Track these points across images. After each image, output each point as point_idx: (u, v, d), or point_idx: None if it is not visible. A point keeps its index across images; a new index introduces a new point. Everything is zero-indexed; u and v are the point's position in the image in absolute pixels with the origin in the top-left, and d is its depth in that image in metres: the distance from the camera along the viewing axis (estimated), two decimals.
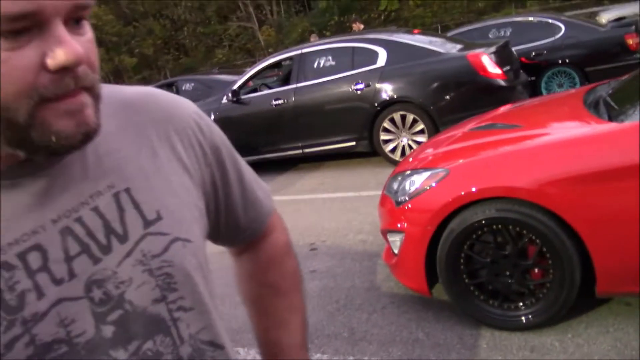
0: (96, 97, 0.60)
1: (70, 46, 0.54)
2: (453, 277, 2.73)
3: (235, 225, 0.87)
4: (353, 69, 6.44)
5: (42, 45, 0.54)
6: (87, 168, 0.66)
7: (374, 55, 6.35)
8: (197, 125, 0.77)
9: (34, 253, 0.60)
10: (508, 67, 6.08)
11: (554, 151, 2.58)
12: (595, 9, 16.57)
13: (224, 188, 0.81)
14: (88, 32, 0.59)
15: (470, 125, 3.54)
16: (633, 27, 7.62)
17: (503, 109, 3.96)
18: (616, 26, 8.01)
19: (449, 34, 8.82)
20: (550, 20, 8.12)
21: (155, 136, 0.72)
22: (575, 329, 2.62)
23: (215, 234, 0.86)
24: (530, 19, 8.58)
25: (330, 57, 6.71)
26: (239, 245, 0.94)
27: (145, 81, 25.13)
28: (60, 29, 0.54)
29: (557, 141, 2.66)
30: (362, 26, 10.54)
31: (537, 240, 2.55)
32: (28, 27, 0.53)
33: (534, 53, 7.82)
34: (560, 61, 7.74)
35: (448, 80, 5.99)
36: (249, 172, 0.88)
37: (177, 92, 10.10)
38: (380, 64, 6.27)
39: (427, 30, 17.58)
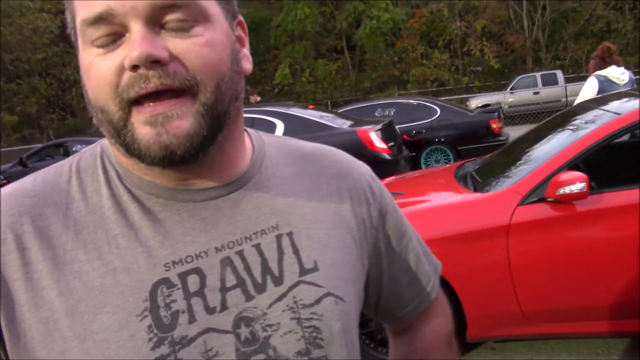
0: (202, 105, 0.57)
1: (139, 44, 0.53)
2: None
3: (397, 298, 0.81)
4: None
5: (126, 49, 0.55)
6: (257, 206, 0.66)
7: (272, 127, 6.76)
8: (369, 187, 0.76)
9: (193, 276, 0.60)
10: (392, 143, 6.74)
11: (431, 215, 3.04)
12: (465, 95, 18.54)
13: (388, 255, 0.78)
14: (203, 35, 0.57)
15: None
16: (496, 113, 8.78)
17: (388, 179, 4.45)
18: (482, 112, 9.18)
19: (340, 111, 9.56)
20: (427, 104, 9.15)
21: (327, 189, 0.72)
22: None
23: (376, 306, 0.81)
24: (411, 101, 9.58)
25: None
26: (398, 323, 0.86)
27: (25, 140, 23.83)
28: (135, 32, 0.54)
29: (433, 207, 3.14)
30: (258, 98, 11.05)
31: None
32: (115, 33, 0.55)
33: (414, 131, 8.71)
34: (436, 140, 8.69)
35: None
36: (418, 244, 0.83)
37: (67, 154, 9.86)
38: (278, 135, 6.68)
39: (318, 105, 18.62)
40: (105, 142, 0.68)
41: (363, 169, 0.79)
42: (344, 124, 6.88)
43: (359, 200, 0.74)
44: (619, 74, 4.88)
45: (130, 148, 0.57)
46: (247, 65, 0.67)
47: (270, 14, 26.09)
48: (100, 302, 0.57)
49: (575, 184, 2.67)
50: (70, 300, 0.57)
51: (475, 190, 3.17)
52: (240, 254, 0.63)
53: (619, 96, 3.52)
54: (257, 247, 0.64)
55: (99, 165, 0.65)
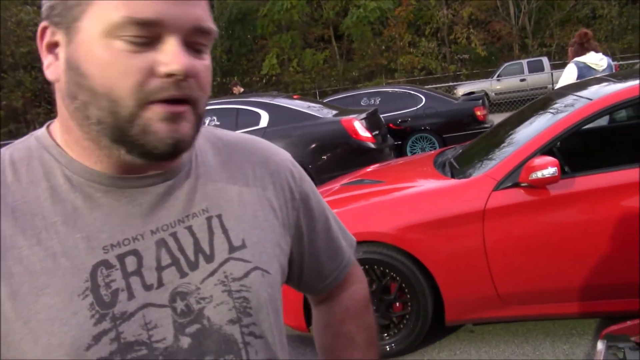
0: (198, 116, 0.65)
1: (179, 58, 0.60)
2: None
3: (318, 272, 0.89)
4: (237, 129, 6.80)
5: (157, 55, 0.60)
6: (189, 191, 0.72)
7: (256, 117, 6.77)
8: (290, 172, 0.83)
9: (131, 257, 0.66)
10: (377, 132, 6.78)
11: (409, 202, 3.09)
12: (452, 83, 18.60)
13: (310, 234, 0.85)
14: (206, 60, 0.65)
15: (343, 180, 4.01)
16: (480, 101, 8.83)
17: (371, 167, 4.50)
18: (467, 99, 9.22)
19: (326, 100, 9.58)
20: (413, 92, 9.19)
21: (251, 175, 0.78)
22: (430, 353, 3.07)
23: (298, 279, 0.88)
24: (396, 90, 9.62)
25: (215, 118, 7.03)
26: (319, 294, 0.94)
27: (12, 135, 23.63)
28: (174, 44, 0.61)
29: (411, 194, 3.19)
30: (241, 89, 11.06)
31: (397, 278, 3.00)
32: (149, 37, 0.60)
33: (400, 120, 8.75)
34: (422, 128, 8.74)
35: (324, 142, 6.54)
36: (336, 222, 0.91)
37: None
38: (262, 125, 6.70)
39: (306, 94, 18.64)
40: (39, 135, 0.71)
41: (284, 155, 0.86)
42: (328, 114, 6.90)
43: (281, 184, 0.81)
44: (597, 60, 4.93)
45: (133, 139, 0.62)
46: None
47: (257, 3, 25.91)
48: (42, 284, 0.62)
49: (547, 168, 2.73)
50: (12, 284, 0.61)
51: (453, 176, 3.22)
52: (174, 235, 0.69)
53: (596, 82, 3.57)
54: (189, 228, 0.70)
55: (35, 157, 0.68)
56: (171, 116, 0.62)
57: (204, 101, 0.66)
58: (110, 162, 0.66)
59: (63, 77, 0.64)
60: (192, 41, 0.63)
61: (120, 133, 0.62)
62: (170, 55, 0.60)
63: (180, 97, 0.62)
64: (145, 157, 0.64)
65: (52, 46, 0.65)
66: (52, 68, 0.65)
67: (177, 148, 0.63)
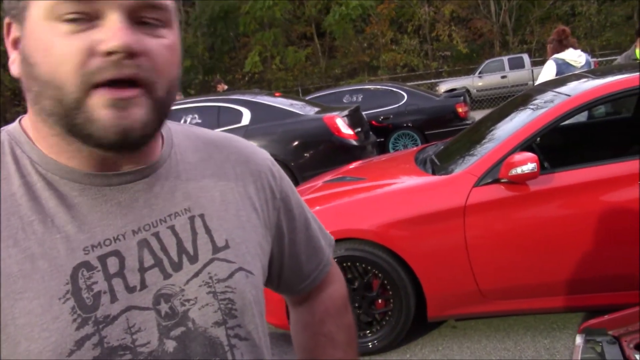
0: (156, 101, 0.60)
1: (120, 34, 0.55)
2: None
3: (297, 273, 0.88)
4: (219, 127, 6.75)
5: (97, 33, 0.56)
6: (170, 190, 0.70)
7: (238, 115, 6.73)
8: (270, 171, 0.81)
9: (112, 258, 0.63)
10: (359, 129, 6.77)
11: (391, 199, 3.09)
12: (434, 80, 18.68)
13: (290, 234, 0.84)
14: (167, 38, 0.61)
15: (325, 178, 4.00)
16: (462, 97, 8.89)
17: (354, 164, 4.50)
18: (449, 96, 9.28)
19: (309, 97, 9.55)
20: (395, 89, 9.21)
21: (232, 174, 0.76)
22: (412, 350, 3.08)
23: (278, 280, 0.87)
24: (379, 87, 9.63)
25: (196, 115, 6.97)
26: (298, 294, 0.93)
27: None
28: (116, 20, 0.56)
29: (393, 191, 3.19)
30: (225, 87, 11.01)
31: (380, 275, 3.00)
32: (88, 13, 0.56)
33: (382, 117, 8.76)
34: (404, 125, 8.76)
35: (306, 139, 6.53)
36: (314, 221, 0.90)
37: None
38: (244, 123, 6.66)
39: (288, 92, 18.58)
40: (11, 130, 0.68)
41: (264, 154, 0.84)
42: (311, 111, 6.88)
43: (262, 184, 0.79)
44: (575, 57, 4.98)
45: (79, 128, 0.58)
46: None
47: (239, 1, 25.80)
48: (20, 287, 0.59)
49: (527, 164, 2.74)
50: None
51: (434, 173, 3.23)
52: (157, 235, 0.67)
53: (574, 78, 3.60)
54: (172, 228, 0.68)
55: (7, 154, 0.65)
56: (117, 102, 0.57)
57: (163, 84, 0.60)
58: (82, 157, 0.63)
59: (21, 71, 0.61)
60: (142, 17, 0.59)
61: (69, 123, 0.58)
62: (110, 31, 0.56)
63: (125, 77, 0.57)
64: (102, 148, 0.60)
65: (17, 42, 0.62)
66: (17, 63, 0.62)
67: (127, 137, 0.59)
